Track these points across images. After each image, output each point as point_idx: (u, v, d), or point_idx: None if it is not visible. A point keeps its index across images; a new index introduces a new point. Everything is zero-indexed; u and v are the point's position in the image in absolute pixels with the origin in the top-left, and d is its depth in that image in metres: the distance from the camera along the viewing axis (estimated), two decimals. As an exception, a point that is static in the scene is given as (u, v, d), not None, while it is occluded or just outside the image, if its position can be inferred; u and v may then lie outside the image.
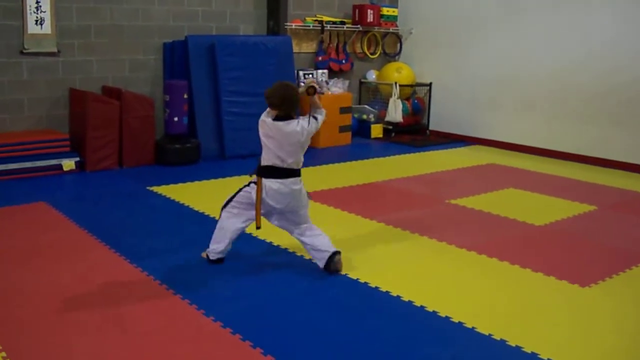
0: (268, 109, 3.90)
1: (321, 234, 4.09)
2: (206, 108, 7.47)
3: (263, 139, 3.90)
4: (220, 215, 4.11)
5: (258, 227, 3.99)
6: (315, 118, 3.97)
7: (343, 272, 4.04)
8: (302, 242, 4.09)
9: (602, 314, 3.61)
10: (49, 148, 6.40)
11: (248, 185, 4.02)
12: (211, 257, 4.13)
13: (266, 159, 3.92)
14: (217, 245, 4.09)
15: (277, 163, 3.90)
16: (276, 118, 3.86)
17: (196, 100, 7.39)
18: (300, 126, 3.86)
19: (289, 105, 3.87)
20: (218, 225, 4.11)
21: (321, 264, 4.03)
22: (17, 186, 5.94)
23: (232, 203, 4.06)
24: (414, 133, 9.37)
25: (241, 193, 4.04)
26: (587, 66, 7.65)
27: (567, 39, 7.82)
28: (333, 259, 4.01)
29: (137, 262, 4.14)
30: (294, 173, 3.95)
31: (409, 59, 9.68)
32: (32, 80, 6.72)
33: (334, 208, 5.50)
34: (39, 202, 5.43)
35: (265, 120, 3.87)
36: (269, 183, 3.90)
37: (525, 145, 8.39)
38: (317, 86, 4.06)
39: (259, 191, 3.91)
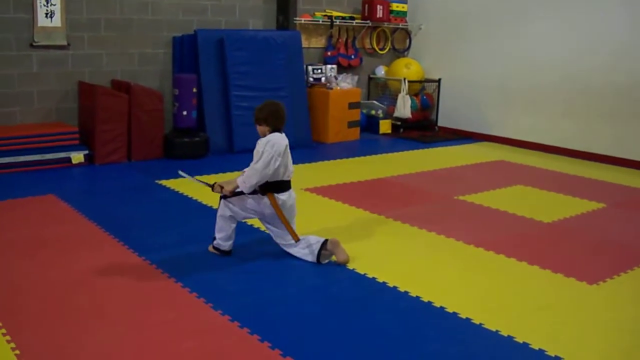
0: (264, 132, 4.00)
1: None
2: (215, 102, 7.49)
3: (275, 163, 3.92)
4: (219, 204, 4.15)
5: (297, 241, 4.12)
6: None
7: (350, 267, 4.05)
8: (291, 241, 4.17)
9: (610, 312, 3.60)
10: (58, 141, 6.43)
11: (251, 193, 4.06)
12: (221, 248, 4.16)
13: (271, 177, 4.00)
14: (223, 234, 4.13)
15: (282, 177, 4.02)
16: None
17: (205, 94, 7.40)
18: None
19: (279, 119, 4.02)
20: (218, 213, 4.16)
21: (313, 256, 4.06)
22: (26, 178, 5.97)
23: (231, 198, 4.09)
24: (423, 129, 9.35)
25: (242, 196, 4.07)
26: (597, 64, 7.60)
27: (578, 36, 7.77)
28: (325, 245, 4.06)
29: (145, 254, 4.15)
30: (290, 183, 4.13)
31: (418, 55, 9.66)
32: (41, 73, 6.75)
33: (342, 203, 5.50)
34: (48, 195, 5.45)
35: (282, 142, 3.95)
36: (282, 197, 4.04)
37: (534, 142, 8.36)
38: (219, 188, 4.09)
39: (277, 207, 4.02)
